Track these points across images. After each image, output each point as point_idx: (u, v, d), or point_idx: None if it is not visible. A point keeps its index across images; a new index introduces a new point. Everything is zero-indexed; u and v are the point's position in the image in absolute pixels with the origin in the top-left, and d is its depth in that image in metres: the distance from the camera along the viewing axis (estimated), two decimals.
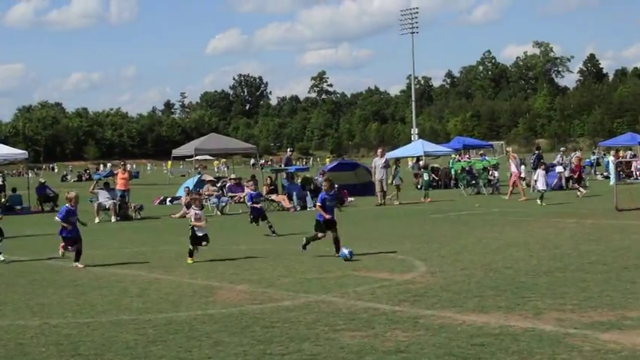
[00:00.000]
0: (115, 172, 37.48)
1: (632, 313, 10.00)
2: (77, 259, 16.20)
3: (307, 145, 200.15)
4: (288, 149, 43.38)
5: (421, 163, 43.79)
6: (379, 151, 35.42)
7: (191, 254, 16.43)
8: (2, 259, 17.28)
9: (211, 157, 71.90)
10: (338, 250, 16.18)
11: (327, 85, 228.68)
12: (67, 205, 16.61)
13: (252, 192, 22.93)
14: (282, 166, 38.48)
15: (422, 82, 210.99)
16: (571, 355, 8.11)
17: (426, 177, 36.76)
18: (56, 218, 16.70)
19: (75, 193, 17.02)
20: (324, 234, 16.50)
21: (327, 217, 16.35)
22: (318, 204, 16.68)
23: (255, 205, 22.39)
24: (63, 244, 16.65)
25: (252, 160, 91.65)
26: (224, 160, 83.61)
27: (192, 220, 16.60)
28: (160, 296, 12.49)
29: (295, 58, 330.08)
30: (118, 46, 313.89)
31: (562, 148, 53.20)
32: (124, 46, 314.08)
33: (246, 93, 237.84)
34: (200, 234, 16.58)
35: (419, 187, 41.07)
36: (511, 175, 33.09)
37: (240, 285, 13.38)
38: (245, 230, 23.17)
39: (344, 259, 15.61)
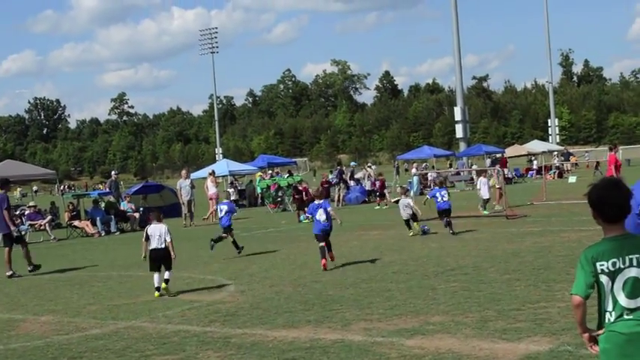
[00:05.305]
0: None
1: (434, 318, 10.44)
2: None
3: (110, 169, 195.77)
4: (113, 172, 41.66)
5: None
6: (183, 172, 35.44)
7: None
8: None
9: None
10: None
11: (129, 107, 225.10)
12: None
13: None
14: (108, 190, 37.51)
15: (224, 101, 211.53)
16: None
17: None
18: None
19: None
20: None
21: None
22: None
23: None
24: None
25: (35, 187, 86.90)
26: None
27: None
28: None
29: (94, 79, 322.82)
30: None
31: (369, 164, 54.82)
32: None
33: (42, 117, 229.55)
34: None
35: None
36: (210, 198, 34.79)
37: (44, 316, 12.91)
38: (48, 259, 22.36)
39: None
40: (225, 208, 19.75)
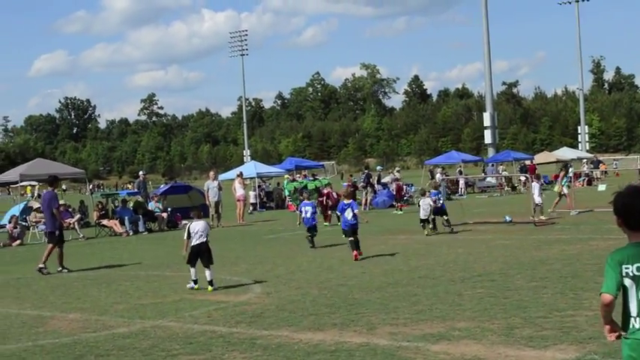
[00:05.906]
0: None
1: (459, 324, 10.41)
2: None
3: (138, 169, 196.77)
4: (141, 172, 41.60)
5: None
6: (211, 173, 35.58)
7: None
8: None
9: (38, 183, 69.29)
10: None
11: (158, 108, 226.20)
12: None
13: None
14: (136, 190, 37.72)
15: (253, 103, 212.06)
16: None
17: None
18: None
19: None
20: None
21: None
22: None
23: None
24: None
25: (64, 186, 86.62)
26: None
27: None
28: None
29: (124, 80, 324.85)
30: None
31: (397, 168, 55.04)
32: None
33: (73, 116, 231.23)
34: None
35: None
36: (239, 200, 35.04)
37: (72, 313, 13.03)
38: (76, 257, 22.51)
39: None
40: (309, 209, 21.84)
